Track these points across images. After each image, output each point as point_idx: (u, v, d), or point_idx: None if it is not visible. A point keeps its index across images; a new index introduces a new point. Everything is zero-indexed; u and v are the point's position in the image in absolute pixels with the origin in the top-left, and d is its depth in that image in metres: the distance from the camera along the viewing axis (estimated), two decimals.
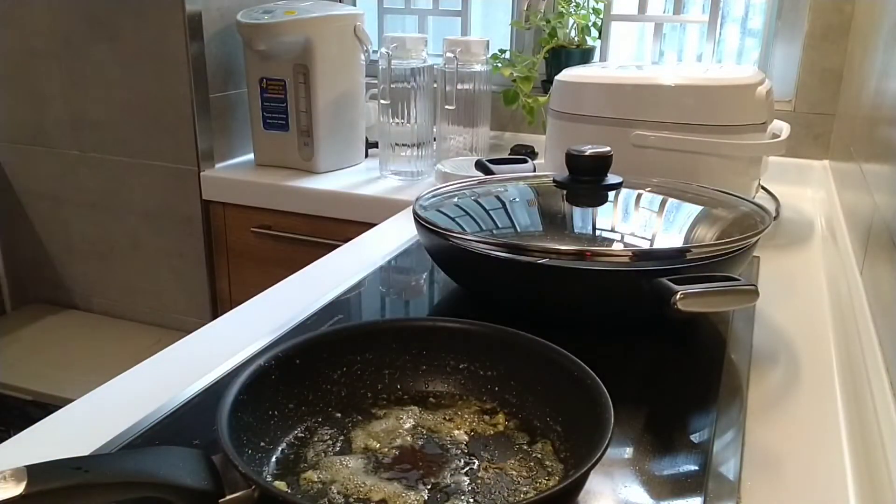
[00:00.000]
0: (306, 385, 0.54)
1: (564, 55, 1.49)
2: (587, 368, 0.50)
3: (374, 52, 1.50)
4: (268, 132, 1.47)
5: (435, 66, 1.39)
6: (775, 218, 1.02)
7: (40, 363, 1.50)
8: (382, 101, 1.37)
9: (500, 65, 1.49)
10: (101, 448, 0.52)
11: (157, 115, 1.49)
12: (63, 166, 1.61)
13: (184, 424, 0.56)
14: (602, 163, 0.81)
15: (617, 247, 0.73)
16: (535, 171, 0.97)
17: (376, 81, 1.38)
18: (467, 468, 0.49)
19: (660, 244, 0.73)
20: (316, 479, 0.47)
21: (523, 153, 1.46)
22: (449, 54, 1.35)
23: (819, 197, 1.25)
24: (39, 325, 1.65)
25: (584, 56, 1.50)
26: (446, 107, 1.38)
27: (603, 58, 1.56)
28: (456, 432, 0.52)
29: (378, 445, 0.51)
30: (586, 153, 0.81)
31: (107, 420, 0.56)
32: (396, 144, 1.39)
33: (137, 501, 0.39)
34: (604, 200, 0.81)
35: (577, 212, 0.82)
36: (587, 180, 0.81)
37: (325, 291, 0.81)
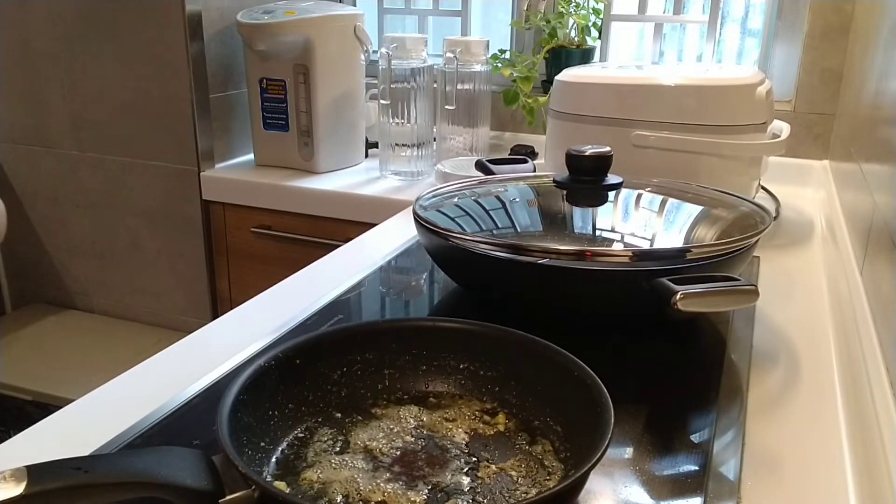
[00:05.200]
0: (306, 385, 0.54)
1: (564, 55, 1.49)
2: (587, 368, 0.50)
3: (374, 52, 1.50)
4: (268, 132, 1.47)
5: (435, 67, 1.39)
6: (775, 218, 1.02)
7: (40, 363, 1.50)
8: (382, 102, 1.37)
9: (500, 65, 1.49)
10: (101, 448, 0.52)
11: (157, 116, 1.49)
12: (63, 166, 1.61)
13: (184, 424, 0.56)
14: (602, 163, 0.81)
15: (617, 247, 0.73)
16: (535, 171, 0.97)
17: (376, 81, 1.38)
18: (467, 468, 0.49)
19: (660, 244, 0.73)
20: (316, 480, 0.47)
21: (523, 153, 1.46)
22: (449, 54, 1.35)
23: (819, 197, 1.25)
24: (39, 325, 1.65)
25: (585, 56, 1.50)
26: (446, 107, 1.38)
27: (603, 58, 1.56)
28: (456, 432, 0.52)
29: (378, 445, 0.51)
30: (586, 153, 0.81)
31: (107, 420, 0.56)
32: (396, 144, 1.39)
33: (137, 501, 0.39)
34: (604, 200, 0.81)
35: (578, 212, 0.82)
36: (587, 180, 0.81)
37: (325, 291, 0.81)
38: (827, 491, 0.51)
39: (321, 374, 0.55)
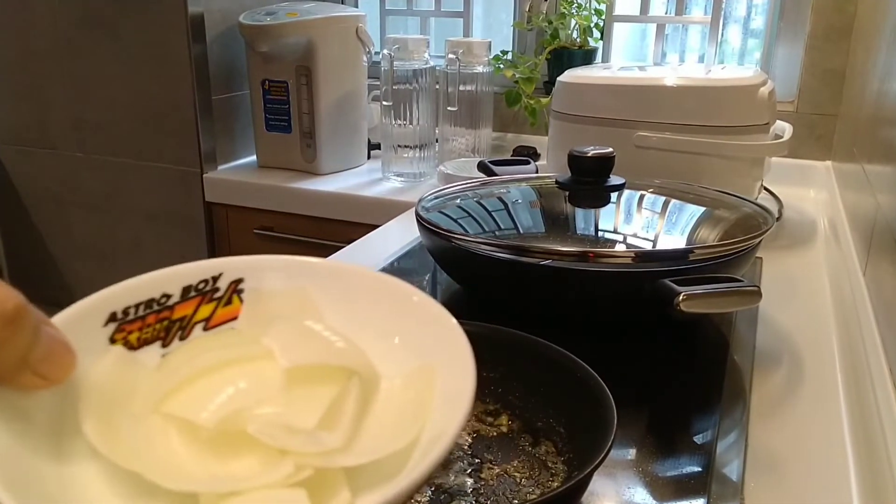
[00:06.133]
0: None
1: (566, 56, 1.49)
2: (590, 370, 0.50)
3: (377, 53, 1.51)
4: (270, 134, 1.47)
5: (437, 68, 1.39)
6: (778, 219, 1.02)
7: None
8: (385, 103, 1.37)
9: (502, 66, 1.49)
10: None
11: (159, 117, 1.49)
12: (65, 168, 1.62)
13: None
14: (604, 164, 0.81)
15: (620, 248, 0.73)
16: (537, 172, 0.97)
17: (378, 83, 1.38)
18: (470, 469, 0.49)
19: (663, 245, 0.73)
20: None
21: (526, 154, 1.46)
22: (451, 55, 1.35)
23: (822, 198, 1.25)
24: None
25: (587, 57, 1.50)
26: (448, 108, 1.38)
27: (605, 59, 1.56)
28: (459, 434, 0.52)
29: None
30: (589, 154, 0.81)
31: None
32: (399, 146, 1.39)
33: None
34: (606, 202, 0.81)
35: (580, 213, 0.82)
36: (590, 181, 0.81)
37: None
38: (830, 492, 0.51)
39: None
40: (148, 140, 1.52)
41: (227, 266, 0.33)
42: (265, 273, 0.33)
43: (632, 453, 0.53)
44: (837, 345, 0.73)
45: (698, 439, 0.56)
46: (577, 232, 0.78)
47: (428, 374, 0.30)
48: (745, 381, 0.65)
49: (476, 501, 0.46)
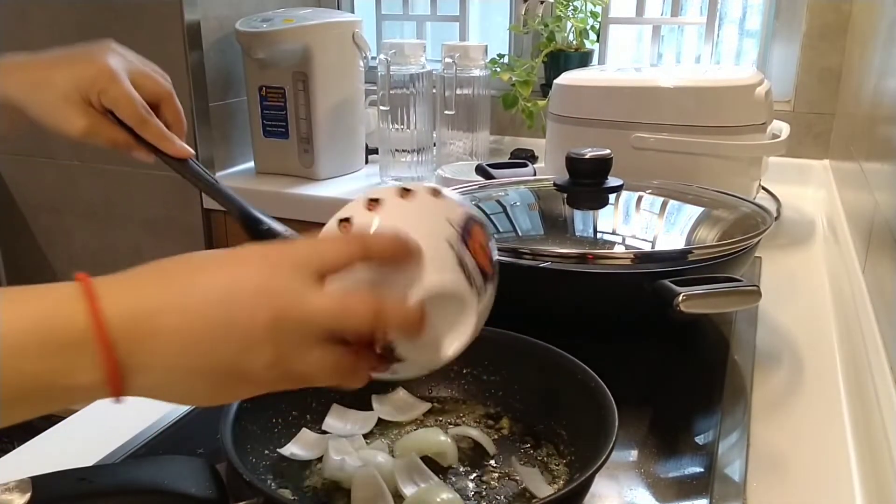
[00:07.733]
0: (309, 392, 0.54)
1: (563, 59, 1.49)
2: (591, 372, 0.50)
3: (373, 58, 1.51)
4: (268, 140, 1.47)
5: (434, 72, 1.39)
6: (776, 218, 1.01)
7: None
8: (382, 108, 1.37)
9: (498, 69, 1.49)
10: (106, 458, 0.52)
11: None
12: (64, 177, 1.62)
13: (187, 434, 0.56)
14: (602, 165, 0.81)
15: (619, 249, 0.73)
16: (535, 174, 0.97)
17: (375, 88, 1.38)
18: (472, 473, 0.49)
19: (661, 246, 0.73)
20: (320, 487, 0.47)
21: (523, 157, 1.46)
22: (447, 59, 1.35)
23: (820, 196, 1.25)
24: None
25: (583, 59, 1.51)
26: (446, 112, 1.38)
27: (601, 61, 1.56)
28: (461, 437, 0.52)
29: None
30: (586, 156, 0.81)
31: (111, 430, 0.56)
32: (396, 150, 1.39)
33: None
34: (605, 203, 0.81)
35: (579, 215, 0.82)
36: (588, 183, 0.81)
37: None
38: (833, 490, 0.51)
39: None
40: None
41: None
42: None
43: (633, 454, 0.53)
44: (838, 343, 0.73)
45: (700, 440, 0.56)
46: (576, 234, 0.78)
47: None
48: (745, 381, 0.65)
49: None
